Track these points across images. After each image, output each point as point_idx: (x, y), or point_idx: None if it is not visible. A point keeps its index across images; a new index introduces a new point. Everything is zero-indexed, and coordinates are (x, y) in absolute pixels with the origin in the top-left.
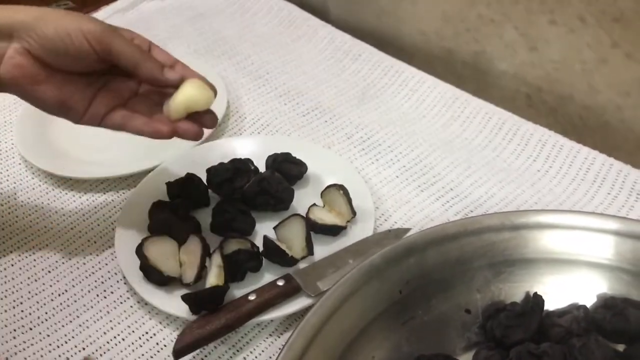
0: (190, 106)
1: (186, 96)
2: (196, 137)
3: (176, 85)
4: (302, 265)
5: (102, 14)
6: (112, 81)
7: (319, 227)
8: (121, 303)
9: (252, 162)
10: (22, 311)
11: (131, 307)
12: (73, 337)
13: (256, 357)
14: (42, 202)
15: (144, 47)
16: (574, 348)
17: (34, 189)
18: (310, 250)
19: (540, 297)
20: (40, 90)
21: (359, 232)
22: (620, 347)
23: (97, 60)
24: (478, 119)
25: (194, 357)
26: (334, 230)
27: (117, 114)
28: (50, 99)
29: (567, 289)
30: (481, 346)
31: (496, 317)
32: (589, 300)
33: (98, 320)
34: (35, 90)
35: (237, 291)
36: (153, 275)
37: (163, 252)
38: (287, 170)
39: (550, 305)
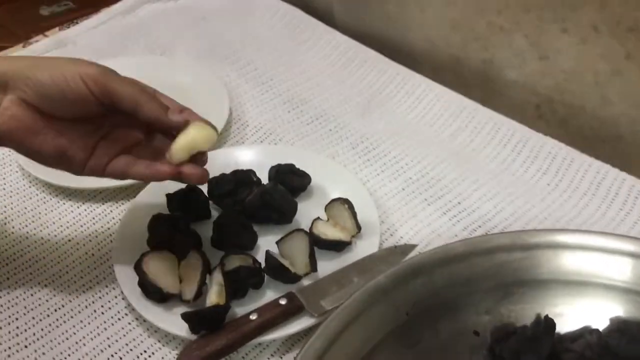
0: (192, 147)
1: (188, 138)
2: (201, 180)
3: (180, 128)
4: (305, 282)
5: (103, 16)
6: (115, 131)
7: (323, 243)
8: (119, 319)
9: (254, 174)
10: (17, 327)
11: (129, 324)
12: (69, 355)
13: None
14: (39, 213)
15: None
16: None
17: (30, 198)
18: (313, 267)
19: (552, 320)
20: (38, 140)
21: (364, 247)
22: None
23: (96, 103)
24: (486, 129)
25: None
26: (338, 246)
27: (120, 161)
28: (49, 149)
29: (580, 312)
30: None
31: (506, 341)
32: (602, 324)
33: (95, 337)
34: (33, 141)
35: (238, 309)
36: (152, 292)
37: (162, 268)
38: (290, 182)
39: (561, 328)
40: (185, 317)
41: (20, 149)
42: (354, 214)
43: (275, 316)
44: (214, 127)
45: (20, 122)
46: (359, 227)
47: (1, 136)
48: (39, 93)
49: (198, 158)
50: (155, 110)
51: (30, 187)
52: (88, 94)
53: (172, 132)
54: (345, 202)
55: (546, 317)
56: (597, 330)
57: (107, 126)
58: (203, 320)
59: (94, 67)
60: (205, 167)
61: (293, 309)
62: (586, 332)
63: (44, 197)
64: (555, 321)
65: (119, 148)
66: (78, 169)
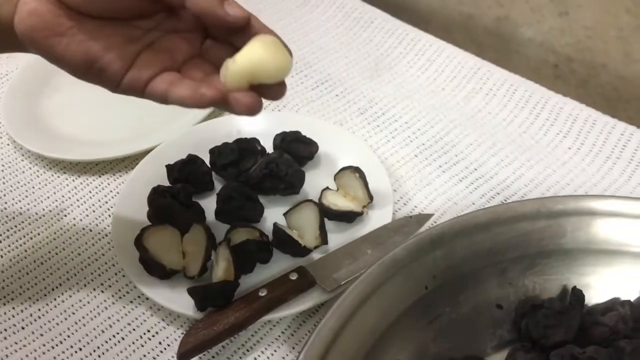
0: (255, 74)
1: (252, 59)
2: (251, 110)
3: (241, 32)
4: (315, 255)
5: None
6: (163, 39)
7: (333, 214)
8: (120, 298)
9: (258, 142)
10: (13, 308)
11: (131, 302)
12: (68, 337)
13: (268, 357)
14: (33, 187)
15: None
16: (623, 352)
17: (23, 172)
18: (324, 239)
19: (580, 291)
20: (63, 43)
21: (376, 218)
22: None
23: None
24: (502, 91)
25: (200, 358)
26: (349, 217)
27: (163, 79)
28: (76, 55)
29: (609, 283)
30: (515, 346)
31: (533, 316)
32: (632, 294)
33: (95, 316)
34: (56, 44)
35: (246, 285)
36: (154, 268)
37: (164, 243)
38: (296, 150)
39: (589, 300)
40: (191, 292)
41: (43, 54)
42: (365, 183)
43: (285, 292)
44: (288, 50)
45: (41, 19)
46: (370, 197)
47: (20, 37)
48: None
49: (273, 90)
50: (207, 1)
51: (22, 160)
52: None
53: (230, 36)
54: (356, 170)
55: (574, 288)
56: (628, 301)
57: (154, 32)
58: (211, 296)
59: None
60: (206, 136)
61: (304, 284)
62: (617, 303)
63: (38, 171)
64: (583, 292)
65: (165, 61)
66: (113, 83)
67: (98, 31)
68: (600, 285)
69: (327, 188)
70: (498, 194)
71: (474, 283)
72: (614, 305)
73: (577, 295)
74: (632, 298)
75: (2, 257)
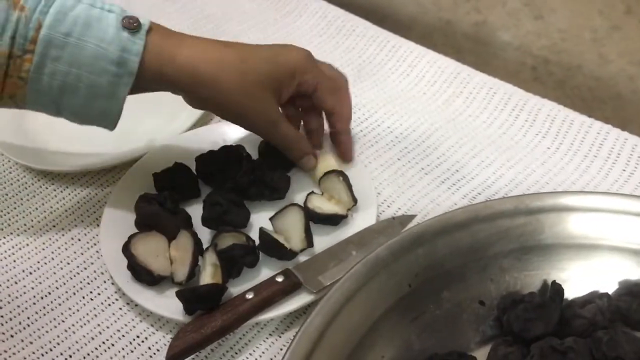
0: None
1: (326, 167)
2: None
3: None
4: (301, 258)
5: None
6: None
7: (318, 217)
8: (109, 305)
9: (244, 149)
10: (1, 317)
11: (120, 309)
12: (58, 344)
13: (256, 359)
14: (22, 198)
15: (338, 85)
16: (601, 342)
17: (12, 183)
18: (309, 242)
19: (560, 285)
20: None
21: (361, 220)
22: None
23: None
24: (482, 94)
25: None
26: (334, 220)
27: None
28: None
29: (587, 276)
30: (498, 341)
31: (513, 310)
32: (611, 287)
33: (85, 324)
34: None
35: (233, 288)
36: (142, 274)
37: (152, 250)
38: (282, 156)
39: (569, 293)
40: (180, 295)
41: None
42: (349, 187)
43: (272, 294)
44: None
45: None
46: (355, 200)
47: (180, 86)
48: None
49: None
50: (295, 157)
51: (10, 172)
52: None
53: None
54: (340, 174)
55: (553, 282)
56: (606, 294)
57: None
58: (199, 299)
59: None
60: (192, 144)
61: (290, 286)
62: (595, 296)
63: (26, 182)
64: (563, 287)
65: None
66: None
67: None
68: (580, 279)
69: (312, 192)
70: (479, 194)
71: (456, 280)
72: (592, 297)
73: (557, 289)
74: (610, 290)
75: None
